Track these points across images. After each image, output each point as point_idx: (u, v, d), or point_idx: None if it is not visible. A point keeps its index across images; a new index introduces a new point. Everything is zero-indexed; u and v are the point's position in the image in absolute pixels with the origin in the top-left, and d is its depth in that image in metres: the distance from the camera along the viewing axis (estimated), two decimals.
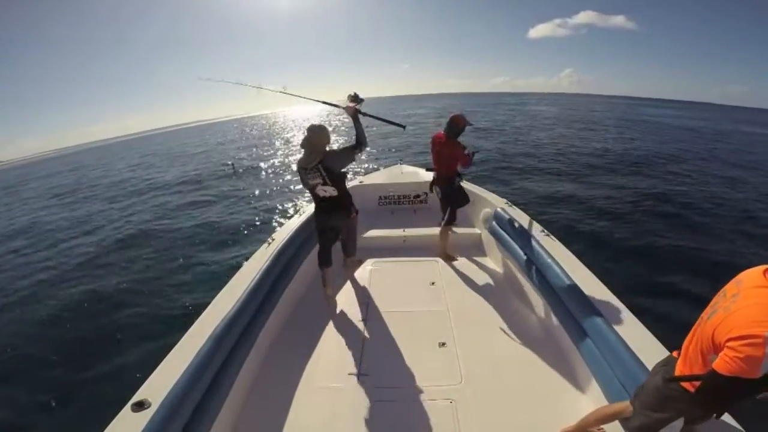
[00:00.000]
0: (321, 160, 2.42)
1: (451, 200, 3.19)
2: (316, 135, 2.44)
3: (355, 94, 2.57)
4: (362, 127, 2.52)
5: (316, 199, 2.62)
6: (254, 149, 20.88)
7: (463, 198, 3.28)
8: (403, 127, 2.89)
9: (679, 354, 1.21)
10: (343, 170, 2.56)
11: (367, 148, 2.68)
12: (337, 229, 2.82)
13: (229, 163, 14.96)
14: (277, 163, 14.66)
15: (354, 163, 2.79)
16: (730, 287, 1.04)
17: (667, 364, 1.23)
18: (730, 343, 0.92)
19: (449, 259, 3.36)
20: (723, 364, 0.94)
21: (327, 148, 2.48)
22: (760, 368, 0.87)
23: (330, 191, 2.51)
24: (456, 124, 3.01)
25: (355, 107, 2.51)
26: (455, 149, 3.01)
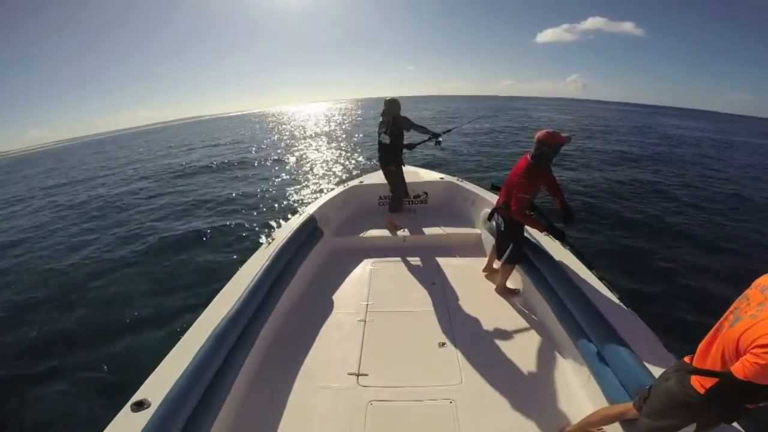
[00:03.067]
0: (393, 118, 3.44)
1: (514, 235, 2.63)
2: (388, 105, 3.47)
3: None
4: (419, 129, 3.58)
5: (380, 146, 3.63)
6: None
7: (521, 232, 2.66)
8: (438, 136, 3.62)
9: (691, 359, 1.21)
10: (404, 130, 3.54)
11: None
12: (390, 174, 3.74)
13: None
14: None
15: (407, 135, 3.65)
16: (754, 295, 1.04)
17: (679, 369, 1.22)
18: (755, 350, 0.93)
19: (510, 293, 2.83)
20: (741, 368, 0.95)
21: (401, 113, 3.52)
22: None
23: (385, 139, 3.47)
24: (546, 144, 2.23)
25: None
26: (526, 182, 2.29)
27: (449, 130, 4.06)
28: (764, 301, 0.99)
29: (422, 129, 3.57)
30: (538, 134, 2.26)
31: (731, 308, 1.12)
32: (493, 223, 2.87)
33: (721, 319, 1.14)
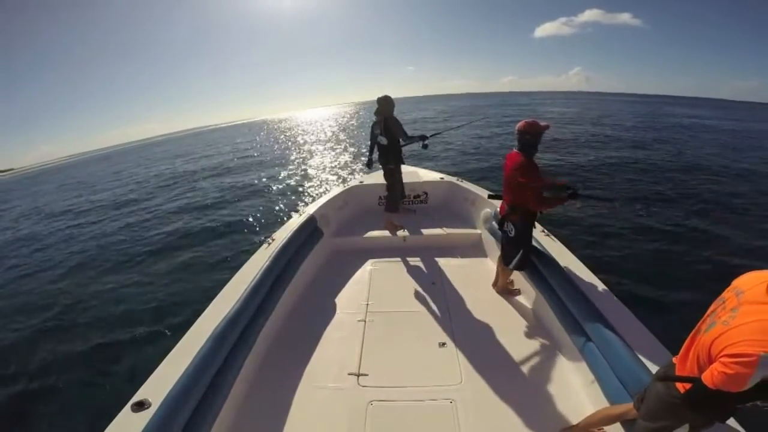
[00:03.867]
0: (385, 119, 3.41)
1: (524, 242, 2.49)
2: (382, 103, 3.41)
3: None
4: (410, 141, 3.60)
5: (378, 146, 3.57)
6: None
7: (531, 238, 2.54)
8: (425, 139, 3.56)
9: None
10: (395, 133, 3.48)
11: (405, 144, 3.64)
12: (390, 173, 3.69)
13: None
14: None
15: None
16: (730, 298, 1.02)
17: (668, 371, 1.23)
18: (723, 359, 0.92)
19: (511, 293, 2.83)
20: (710, 376, 0.95)
21: (392, 114, 3.48)
22: (746, 384, 0.88)
23: (383, 141, 3.44)
24: (528, 133, 2.21)
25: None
26: (528, 174, 2.20)
27: (436, 134, 3.95)
28: (737, 306, 0.96)
29: (410, 138, 3.55)
30: (518, 125, 2.24)
31: (709, 310, 1.09)
32: (495, 227, 2.71)
33: (699, 322, 1.12)
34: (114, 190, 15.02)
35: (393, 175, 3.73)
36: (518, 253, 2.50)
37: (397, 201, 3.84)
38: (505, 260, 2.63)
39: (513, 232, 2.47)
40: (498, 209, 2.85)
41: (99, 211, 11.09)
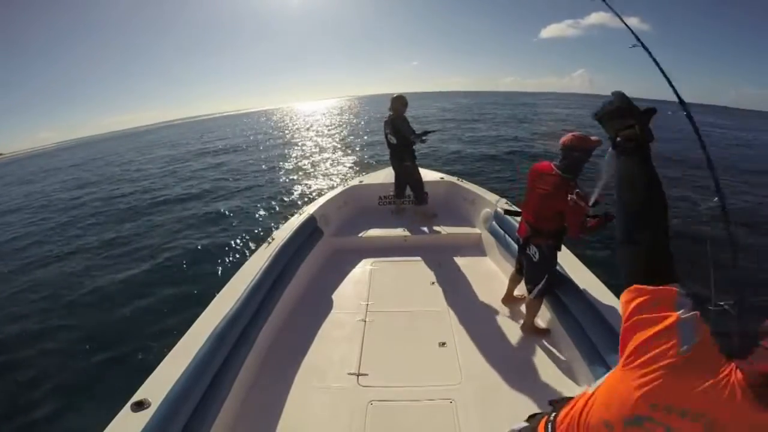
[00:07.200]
0: (393, 119, 3.55)
1: (550, 266, 2.21)
2: (393, 102, 3.58)
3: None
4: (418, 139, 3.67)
5: (389, 145, 3.73)
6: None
7: (556, 260, 2.25)
8: (424, 134, 3.65)
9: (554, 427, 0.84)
10: (403, 132, 3.56)
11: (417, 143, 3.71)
12: (399, 171, 3.87)
13: None
14: None
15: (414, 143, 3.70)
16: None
17: None
18: None
19: (539, 333, 2.41)
20: None
21: (404, 113, 3.63)
22: None
23: (392, 139, 3.61)
24: (577, 150, 1.87)
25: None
26: (581, 207, 1.85)
27: (434, 131, 4.07)
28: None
29: (416, 136, 3.63)
30: (564, 139, 1.91)
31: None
32: (495, 227, 2.56)
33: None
34: (107, 180, 14.98)
35: (409, 171, 3.82)
36: (541, 279, 2.22)
37: (422, 192, 3.92)
38: (528, 287, 2.35)
39: (537, 256, 2.20)
40: (496, 209, 2.70)
41: (91, 203, 11.01)
